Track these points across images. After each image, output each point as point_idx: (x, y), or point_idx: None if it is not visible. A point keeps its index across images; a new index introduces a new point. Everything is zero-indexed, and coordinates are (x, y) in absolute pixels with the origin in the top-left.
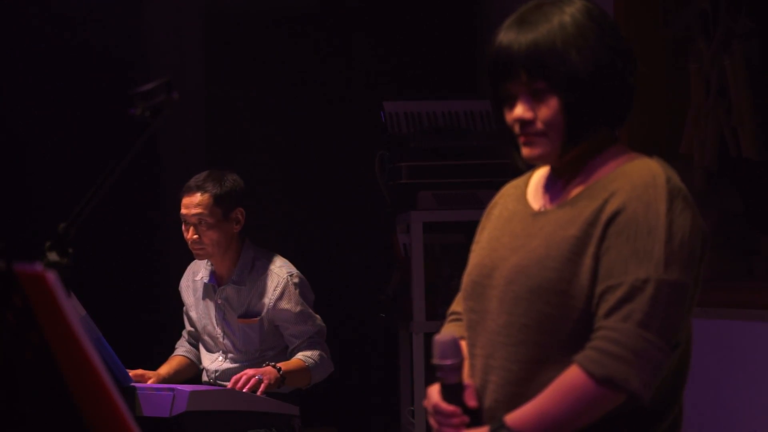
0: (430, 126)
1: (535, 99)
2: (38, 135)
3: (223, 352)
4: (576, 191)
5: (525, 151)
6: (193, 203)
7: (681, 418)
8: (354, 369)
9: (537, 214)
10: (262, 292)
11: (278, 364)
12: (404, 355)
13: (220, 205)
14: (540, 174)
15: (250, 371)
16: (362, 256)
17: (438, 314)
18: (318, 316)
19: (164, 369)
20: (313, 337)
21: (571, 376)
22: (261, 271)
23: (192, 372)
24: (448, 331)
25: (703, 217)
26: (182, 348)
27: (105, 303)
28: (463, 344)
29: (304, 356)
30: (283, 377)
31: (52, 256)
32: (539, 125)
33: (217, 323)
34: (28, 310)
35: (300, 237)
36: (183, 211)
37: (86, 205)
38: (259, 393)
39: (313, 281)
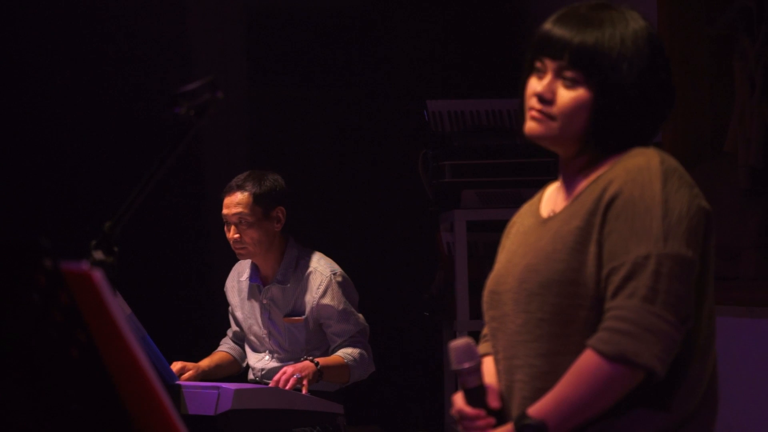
0: (473, 124)
1: (563, 84)
2: (84, 135)
3: (270, 352)
4: (580, 189)
5: (528, 125)
6: (233, 202)
7: (711, 400)
8: (398, 368)
9: (546, 220)
10: (306, 291)
11: (316, 359)
12: (448, 355)
13: (260, 203)
14: (551, 187)
15: (288, 368)
16: (406, 255)
17: (481, 313)
18: (361, 315)
19: (205, 362)
20: (355, 336)
21: (586, 359)
22: (305, 269)
23: (233, 369)
24: (481, 350)
25: (748, 215)
26: (226, 345)
27: (149, 302)
28: (488, 361)
29: (344, 353)
30: (321, 372)
31: (98, 255)
32: (554, 109)
33: (262, 323)
34: (74, 308)
35: (343, 236)
36: (224, 211)
37: (131, 204)
38: (303, 392)
39: (357, 280)
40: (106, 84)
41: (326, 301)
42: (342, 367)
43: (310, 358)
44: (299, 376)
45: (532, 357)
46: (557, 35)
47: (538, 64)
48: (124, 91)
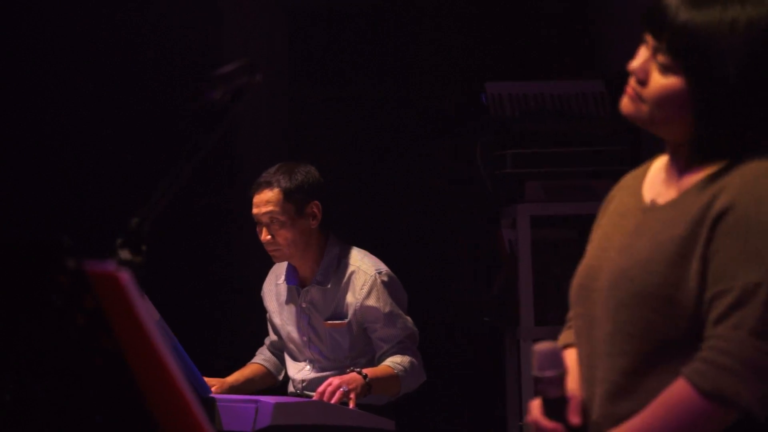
0: (537, 109)
1: (658, 67)
2: (108, 127)
3: (310, 361)
4: (688, 184)
5: (622, 101)
6: (263, 201)
7: None
8: (455, 378)
9: (647, 210)
10: (348, 292)
11: (363, 370)
12: (511, 364)
13: (292, 200)
14: (660, 162)
15: (334, 380)
16: (462, 254)
17: (548, 319)
18: (409, 318)
19: (233, 377)
20: (403, 342)
21: (678, 390)
22: (347, 268)
23: (268, 382)
24: (563, 339)
25: None
26: (260, 356)
27: (179, 308)
28: (571, 354)
29: (392, 363)
30: (369, 385)
31: (125, 254)
32: (645, 92)
33: (301, 329)
34: (99, 312)
35: (392, 233)
36: (254, 210)
37: (161, 198)
38: (351, 406)
39: (407, 283)
40: (132, 81)
41: (371, 302)
42: (392, 378)
43: (357, 369)
44: (346, 389)
45: (613, 373)
46: (662, 6)
47: (645, 34)
48: (153, 88)
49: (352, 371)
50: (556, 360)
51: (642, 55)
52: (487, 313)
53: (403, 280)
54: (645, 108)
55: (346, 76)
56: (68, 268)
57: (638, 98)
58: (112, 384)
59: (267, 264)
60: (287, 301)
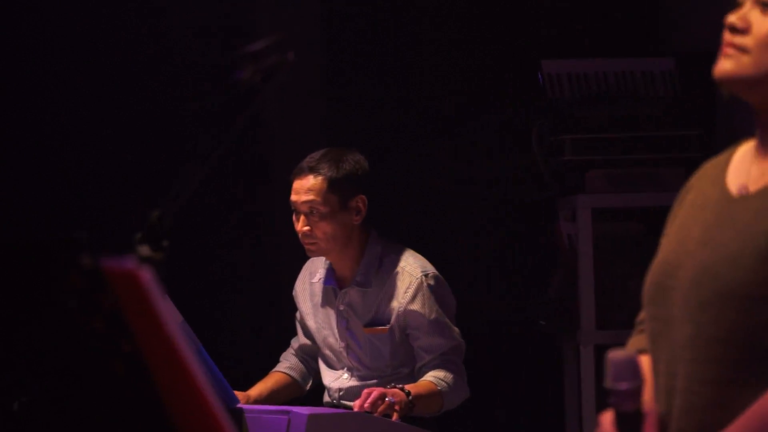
0: (599, 90)
1: (762, 10)
2: (126, 117)
3: (348, 369)
4: None
5: (717, 66)
6: (304, 188)
7: None
8: (507, 388)
9: (734, 200)
10: (391, 295)
11: (406, 387)
12: (570, 372)
13: (337, 191)
14: (746, 148)
15: (377, 390)
16: (516, 251)
17: (612, 321)
18: (457, 329)
19: (256, 390)
20: (447, 354)
21: None
22: (390, 269)
23: (294, 393)
24: (633, 345)
25: None
26: (285, 363)
27: (202, 309)
28: (644, 361)
29: (435, 378)
30: (412, 403)
31: (144, 251)
32: (748, 40)
33: (339, 334)
34: (118, 314)
35: (437, 228)
36: (293, 197)
37: (184, 189)
38: (394, 418)
39: (454, 283)
40: (154, 64)
41: (415, 307)
42: (434, 395)
43: (400, 386)
44: (392, 400)
45: (696, 382)
46: None
47: None
48: (175, 71)
49: (394, 387)
50: (632, 370)
51: (742, 10)
52: (543, 316)
53: (450, 283)
54: (748, 61)
55: (391, 56)
56: (83, 266)
57: (739, 51)
58: (132, 392)
59: (297, 261)
60: (323, 303)
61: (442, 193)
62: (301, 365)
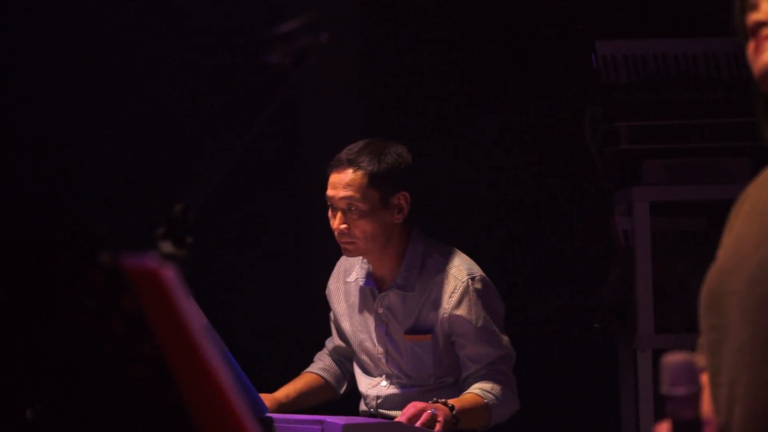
0: (658, 73)
1: None
2: (149, 104)
3: (387, 375)
4: None
5: (760, 60)
6: (342, 182)
7: None
8: (558, 397)
9: None
10: (435, 301)
11: (450, 401)
12: (626, 380)
13: (378, 186)
14: None
15: (419, 404)
16: (567, 249)
17: (671, 325)
18: (506, 337)
19: (284, 391)
20: (494, 364)
21: None
22: (434, 272)
23: (325, 397)
24: (701, 362)
25: None
26: (318, 364)
27: (226, 311)
28: (704, 379)
29: (482, 390)
30: (456, 418)
31: (167, 247)
32: None
33: (378, 339)
34: (139, 316)
35: (481, 226)
36: (329, 191)
37: (210, 181)
38: (437, 429)
39: (501, 284)
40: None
41: (461, 312)
42: (481, 409)
43: (443, 401)
44: (434, 412)
45: (757, 387)
46: None
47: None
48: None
49: (437, 402)
50: (689, 374)
51: (756, 10)
52: (598, 318)
53: (497, 284)
54: None
55: (424, 36)
56: (102, 264)
57: None
58: (154, 400)
59: (331, 258)
60: (359, 304)
61: (489, 190)
62: (335, 367)
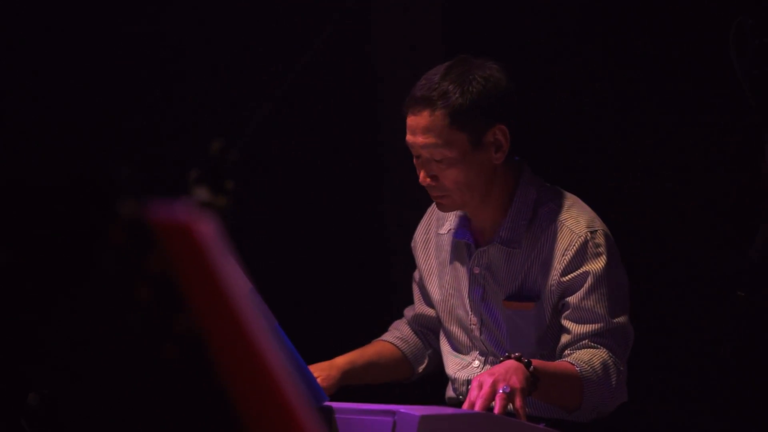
0: None
1: None
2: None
3: (481, 354)
4: None
5: None
6: (419, 126)
7: None
8: (694, 381)
9: None
10: (546, 260)
11: (524, 358)
12: None
13: (464, 125)
14: None
15: (484, 378)
16: (705, 197)
17: None
18: (625, 310)
19: (347, 358)
20: (602, 336)
21: None
22: (546, 223)
23: (399, 374)
24: None
25: None
26: (394, 332)
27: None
28: None
29: (577, 360)
30: (535, 377)
31: (203, 194)
32: None
33: (471, 306)
34: (169, 281)
35: (594, 167)
36: (408, 137)
37: (257, 114)
38: (521, 417)
39: (621, 245)
40: None
41: (573, 273)
42: (570, 379)
43: (516, 354)
44: (507, 389)
45: None
46: None
47: None
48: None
49: (509, 357)
50: None
51: None
52: (743, 284)
53: (618, 243)
54: None
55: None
56: (124, 216)
57: None
58: (188, 385)
59: (419, 213)
60: (452, 262)
61: (607, 120)
62: (416, 338)
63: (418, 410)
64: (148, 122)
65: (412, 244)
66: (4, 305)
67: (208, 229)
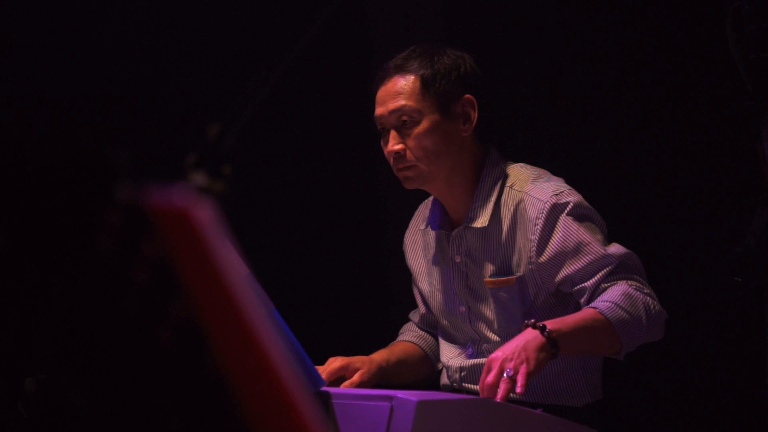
0: None
1: None
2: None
3: (473, 342)
4: None
5: None
6: (390, 93)
7: None
8: (694, 361)
9: None
10: (520, 233)
11: (540, 323)
12: None
13: (435, 90)
14: None
15: (494, 358)
16: (702, 183)
17: None
18: (616, 244)
19: (380, 355)
20: (613, 273)
21: None
22: (514, 198)
23: (425, 370)
24: None
25: None
26: (409, 333)
27: (273, 259)
28: None
29: (600, 303)
30: (553, 340)
31: (200, 179)
32: None
33: (458, 294)
34: (165, 266)
35: (583, 151)
36: (377, 110)
37: (255, 97)
38: (519, 389)
39: (616, 230)
40: None
41: (549, 240)
42: (595, 323)
43: (531, 321)
44: (510, 371)
45: None
46: None
47: None
48: None
49: (527, 324)
50: None
51: None
52: (740, 269)
53: (614, 229)
54: None
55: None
56: (120, 200)
57: None
58: (184, 370)
59: (410, 208)
60: (436, 257)
61: (595, 101)
62: (430, 338)
63: (415, 395)
64: (145, 107)
65: (403, 248)
66: (1, 289)
67: (206, 214)
